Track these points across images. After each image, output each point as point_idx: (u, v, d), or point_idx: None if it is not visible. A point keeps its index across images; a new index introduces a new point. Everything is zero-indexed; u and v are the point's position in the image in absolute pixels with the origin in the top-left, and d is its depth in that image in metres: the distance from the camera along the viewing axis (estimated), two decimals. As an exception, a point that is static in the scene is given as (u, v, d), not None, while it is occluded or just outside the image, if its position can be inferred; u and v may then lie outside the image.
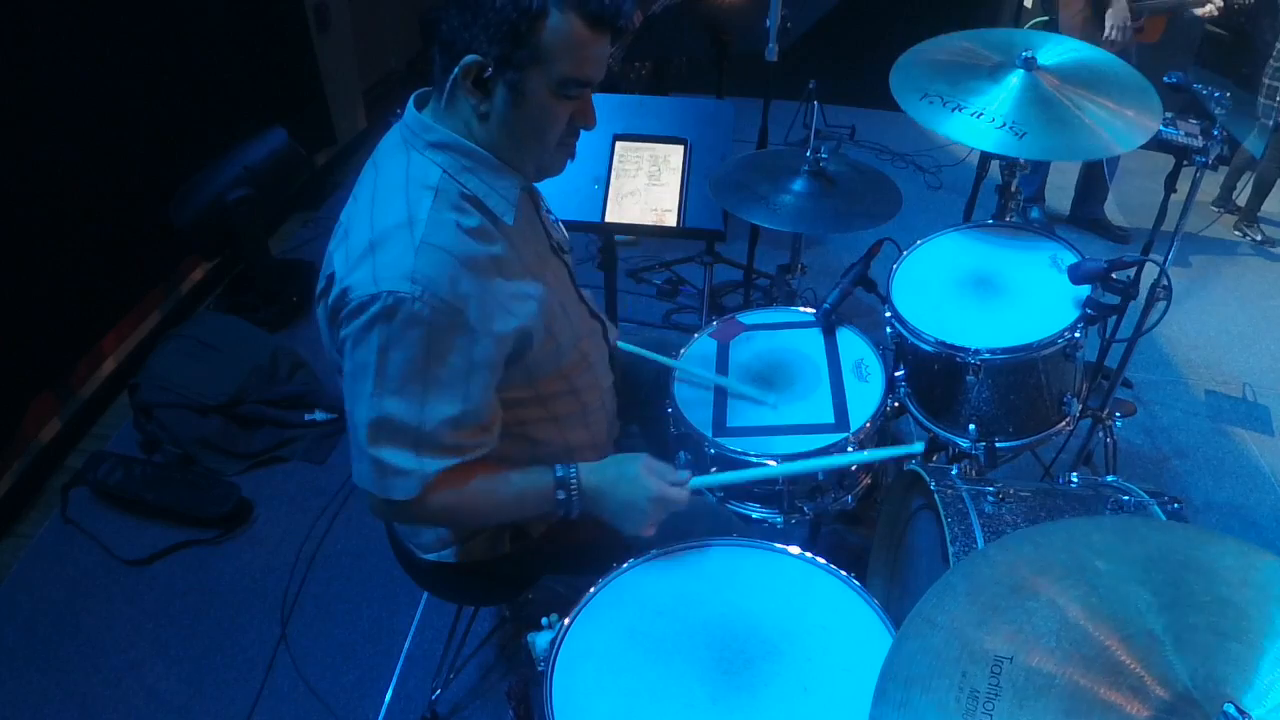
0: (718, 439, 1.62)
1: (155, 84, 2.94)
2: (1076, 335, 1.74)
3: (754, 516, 1.67)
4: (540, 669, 1.15)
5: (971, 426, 1.82)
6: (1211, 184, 4.03)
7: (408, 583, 1.66)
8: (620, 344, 1.65)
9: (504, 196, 1.25)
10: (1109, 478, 1.51)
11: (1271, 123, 3.50)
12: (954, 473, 1.49)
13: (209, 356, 2.76)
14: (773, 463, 1.57)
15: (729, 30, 2.82)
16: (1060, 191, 3.96)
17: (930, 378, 1.86)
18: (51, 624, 2.21)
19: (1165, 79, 1.87)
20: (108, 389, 2.90)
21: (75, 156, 2.66)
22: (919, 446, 1.40)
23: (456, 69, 1.14)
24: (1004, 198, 2.27)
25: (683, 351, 1.81)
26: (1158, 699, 0.79)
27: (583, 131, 1.27)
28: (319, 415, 2.74)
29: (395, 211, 1.18)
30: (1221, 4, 3.49)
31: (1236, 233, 3.92)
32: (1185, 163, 1.91)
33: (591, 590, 1.25)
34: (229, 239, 3.06)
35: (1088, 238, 3.83)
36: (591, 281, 1.86)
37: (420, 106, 1.25)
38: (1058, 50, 1.94)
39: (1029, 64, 1.87)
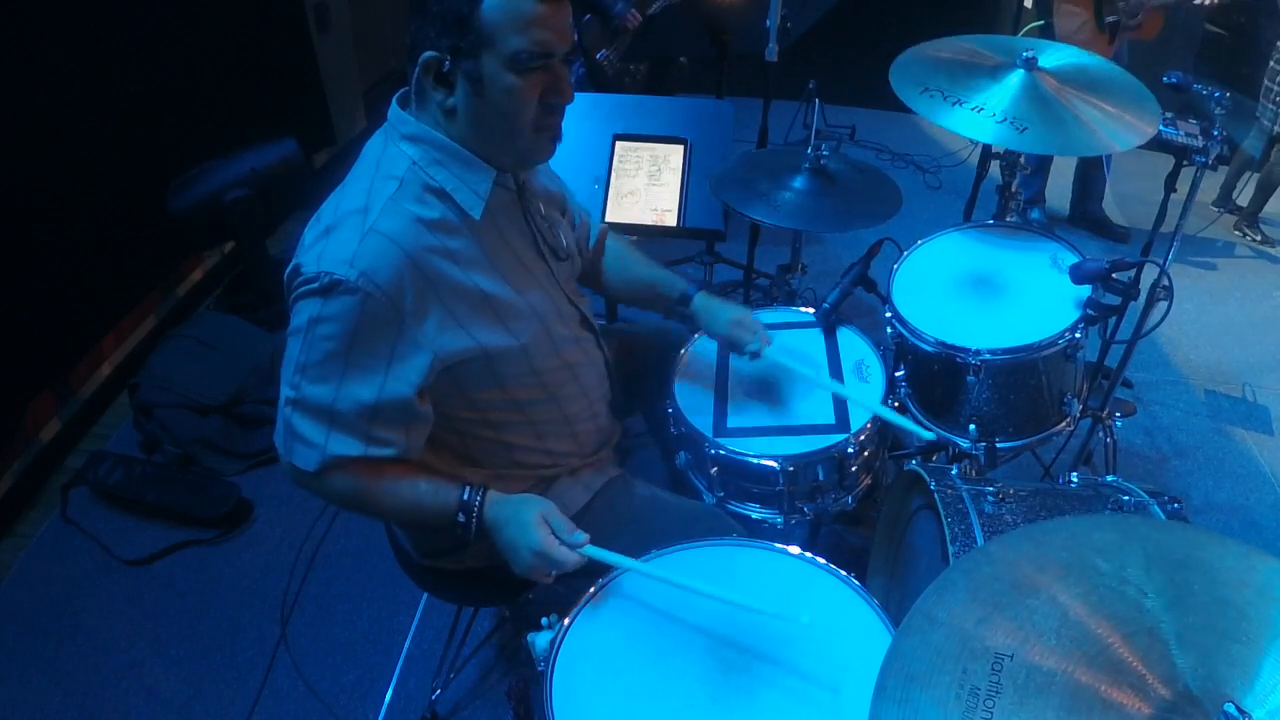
0: (718, 439, 1.62)
1: (155, 84, 2.94)
2: (1077, 335, 1.75)
3: (754, 517, 1.67)
4: (540, 669, 1.15)
5: (972, 426, 1.82)
6: (1211, 184, 4.03)
7: (408, 583, 1.66)
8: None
9: (473, 190, 1.25)
10: (1109, 478, 1.51)
11: (1273, 124, 3.50)
12: (954, 473, 1.49)
13: (209, 356, 2.76)
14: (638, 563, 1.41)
15: (729, 30, 2.82)
16: (1060, 192, 3.96)
17: (930, 378, 1.86)
18: (51, 624, 2.21)
19: (1165, 79, 1.87)
20: (108, 389, 2.90)
21: (75, 156, 2.65)
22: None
23: (416, 68, 1.17)
24: (1004, 198, 2.28)
25: (683, 352, 1.81)
26: (1159, 697, 0.79)
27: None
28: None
29: (355, 198, 1.21)
30: None
31: (1236, 233, 3.92)
32: (1185, 163, 1.91)
33: (591, 590, 1.25)
34: (218, 235, 3.08)
35: (1088, 238, 3.83)
36: (592, 281, 1.86)
37: (403, 103, 1.27)
38: (1058, 54, 1.94)
39: (1030, 64, 1.87)
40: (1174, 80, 1.86)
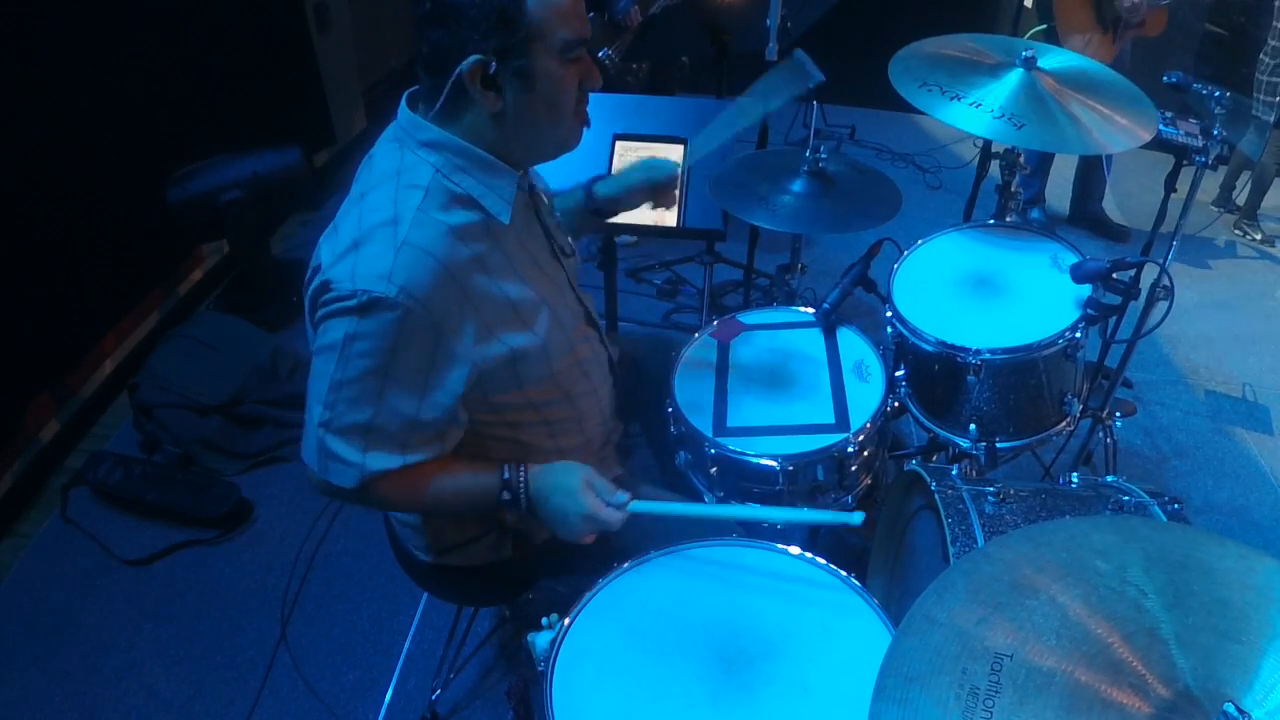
0: (718, 439, 1.62)
1: (155, 85, 2.94)
2: (1077, 335, 1.75)
3: (726, 507, 1.66)
4: (540, 669, 1.15)
5: (972, 426, 1.83)
6: (1211, 184, 4.04)
7: (408, 583, 1.66)
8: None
9: (500, 196, 1.24)
10: (1109, 478, 1.51)
11: (1272, 119, 3.49)
12: (954, 473, 1.49)
13: (209, 356, 2.76)
14: (710, 500, 1.62)
15: (729, 30, 2.82)
16: (1060, 192, 3.96)
17: (931, 378, 1.86)
18: (51, 624, 2.21)
19: (1165, 79, 1.87)
20: (108, 389, 2.90)
21: (75, 156, 2.66)
22: (858, 517, 1.29)
23: (454, 75, 1.13)
24: (1004, 198, 2.28)
25: (683, 351, 1.81)
26: (1158, 697, 0.79)
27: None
28: (319, 415, 2.74)
29: (382, 209, 1.18)
30: None
31: (1237, 232, 3.92)
32: (1185, 163, 1.91)
33: (591, 590, 1.25)
34: (211, 232, 3.08)
35: (1088, 237, 3.83)
36: (591, 281, 1.86)
37: (412, 105, 1.25)
38: (1057, 57, 1.95)
39: (1029, 63, 1.87)
40: (1174, 80, 1.86)
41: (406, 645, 2.14)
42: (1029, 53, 1.89)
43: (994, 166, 2.38)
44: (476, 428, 1.35)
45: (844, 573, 1.27)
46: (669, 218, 2.18)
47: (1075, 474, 1.51)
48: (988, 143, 2.42)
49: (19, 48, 2.44)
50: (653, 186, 1.63)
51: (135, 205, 2.87)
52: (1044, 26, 3.38)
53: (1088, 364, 1.93)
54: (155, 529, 2.43)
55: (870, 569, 1.69)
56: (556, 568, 1.56)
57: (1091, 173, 3.80)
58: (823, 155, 1.93)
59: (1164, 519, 1.35)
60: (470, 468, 1.31)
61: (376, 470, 1.23)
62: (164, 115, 2.99)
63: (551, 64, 1.16)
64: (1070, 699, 0.79)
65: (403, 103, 1.25)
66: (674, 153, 2.24)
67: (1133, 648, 0.82)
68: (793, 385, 1.74)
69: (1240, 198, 3.94)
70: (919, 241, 2.02)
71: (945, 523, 1.35)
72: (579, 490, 1.27)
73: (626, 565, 1.28)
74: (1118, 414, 2.32)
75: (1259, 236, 3.87)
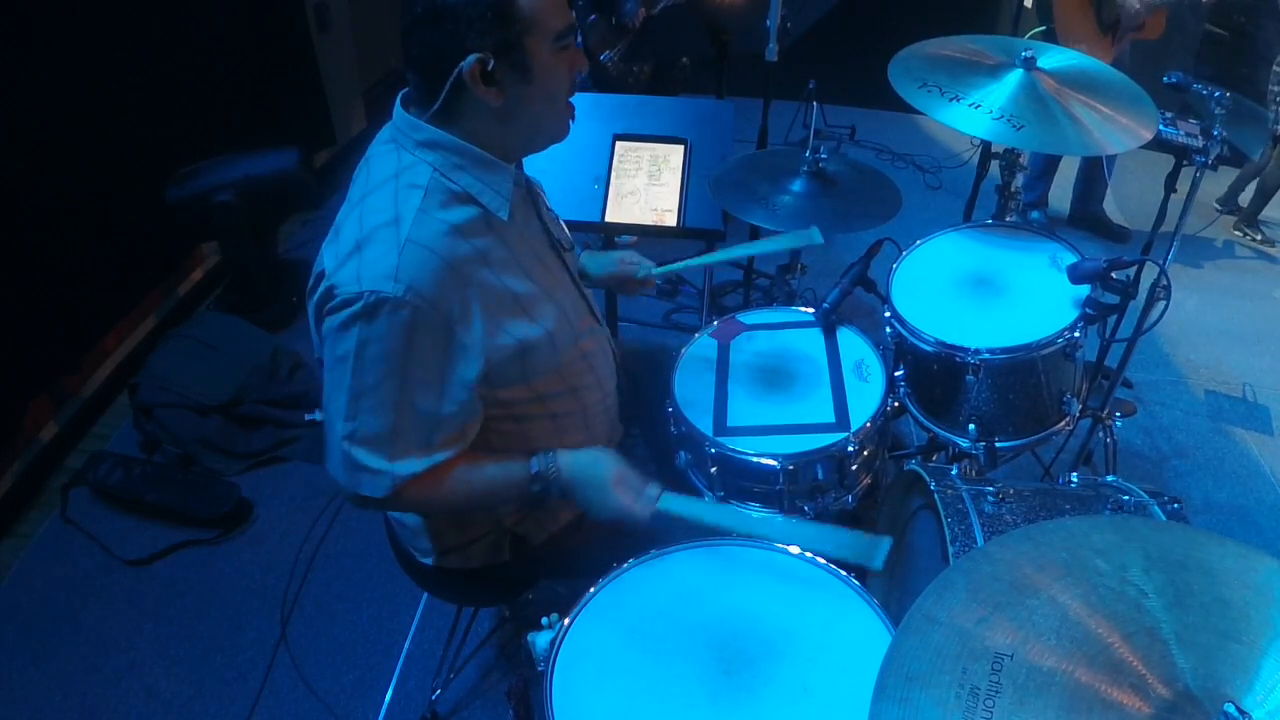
0: (718, 438, 1.62)
1: (155, 85, 2.94)
2: (1076, 335, 1.75)
3: (754, 516, 1.66)
4: (540, 669, 1.15)
5: (971, 426, 1.82)
6: (1217, 185, 4.03)
7: (408, 583, 1.66)
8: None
9: (498, 192, 1.24)
10: (1109, 478, 1.51)
11: (1274, 125, 3.49)
12: (954, 473, 1.49)
13: (209, 356, 2.76)
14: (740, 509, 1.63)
15: (729, 30, 2.82)
16: (1060, 192, 3.96)
17: (930, 377, 1.86)
18: (51, 624, 2.21)
19: (1165, 79, 1.87)
20: (108, 389, 2.90)
21: (76, 156, 2.65)
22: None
23: (453, 75, 1.13)
24: (1004, 198, 2.28)
25: (683, 351, 1.81)
26: (1159, 697, 0.79)
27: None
28: (319, 415, 2.72)
29: (383, 210, 1.19)
30: None
31: (1236, 232, 3.92)
32: (1185, 163, 1.91)
33: (591, 590, 1.25)
34: (206, 233, 3.08)
35: (1087, 238, 3.83)
36: (591, 281, 1.86)
37: (406, 106, 1.25)
38: (1057, 57, 1.95)
39: (1029, 63, 1.87)
40: (1174, 80, 1.86)
41: (406, 645, 2.14)
42: (1029, 53, 1.89)
43: (994, 167, 2.38)
44: (483, 422, 1.36)
45: (844, 573, 1.27)
46: (669, 218, 2.18)
47: (1075, 474, 1.51)
48: (987, 143, 2.42)
49: (19, 48, 2.44)
50: (623, 280, 1.71)
51: (136, 205, 2.87)
52: (1043, 28, 3.38)
53: (1087, 364, 1.93)
54: (155, 529, 2.43)
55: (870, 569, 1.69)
56: (556, 569, 1.56)
57: (1093, 173, 3.80)
58: (823, 155, 1.93)
59: (1164, 519, 1.35)
60: (497, 460, 1.33)
61: (406, 475, 1.23)
62: (164, 115, 2.99)
63: (546, 55, 1.17)
64: (1070, 699, 0.79)
65: (397, 104, 1.25)
66: (674, 153, 2.24)
67: (1133, 648, 0.82)
68: (793, 385, 1.74)
69: (1244, 199, 3.94)
70: (918, 241, 2.02)
71: (945, 522, 1.35)
72: (610, 485, 1.31)
73: (626, 565, 1.29)
74: (1118, 414, 2.33)
75: (1259, 237, 3.87)
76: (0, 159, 2.41)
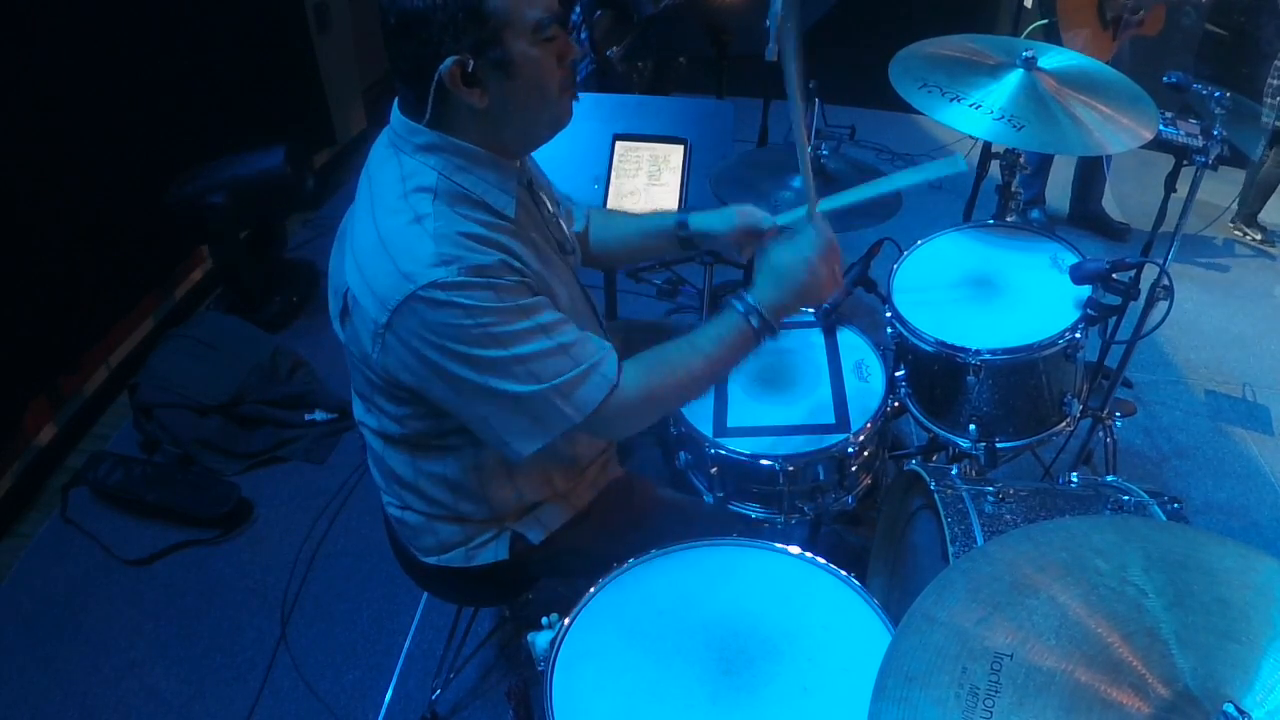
0: (718, 439, 1.62)
1: (154, 85, 2.94)
2: (1077, 335, 1.75)
3: (754, 516, 1.67)
4: (540, 669, 1.15)
5: (972, 427, 1.82)
6: (1215, 184, 4.02)
7: (408, 583, 1.66)
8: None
9: (503, 190, 1.24)
10: (1109, 478, 1.51)
11: (1272, 123, 3.49)
12: (954, 473, 1.49)
13: (209, 356, 2.76)
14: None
15: (729, 30, 2.82)
16: (1060, 192, 3.96)
17: (930, 378, 1.86)
18: (51, 624, 2.21)
19: (1165, 79, 1.87)
20: (108, 389, 2.90)
21: (76, 156, 2.65)
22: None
23: (434, 81, 1.12)
24: (1004, 198, 2.27)
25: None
26: (1158, 697, 0.79)
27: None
28: (319, 415, 2.74)
29: (400, 213, 1.17)
30: None
31: (1237, 232, 3.92)
32: (1185, 163, 1.91)
33: (591, 590, 1.25)
34: (199, 236, 3.08)
35: (1088, 237, 3.83)
36: (592, 281, 1.85)
37: (404, 111, 1.23)
38: (1057, 56, 1.95)
39: (1029, 63, 1.87)
40: (1174, 80, 1.85)
41: (406, 645, 2.14)
42: (1029, 53, 1.88)
43: (994, 166, 2.38)
44: None
45: (844, 573, 1.27)
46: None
47: (1075, 474, 1.51)
48: (987, 143, 2.42)
49: (19, 48, 2.44)
50: (747, 230, 1.60)
51: (135, 206, 2.87)
52: (1044, 21, 3.37)
53: (1088, 364, 1.93)
54: (155, 529, 2.43)
55: (870, 569, 1.69)
56: (556, 569, 1.56)
57: (1090, 171, 3.80)
58: (823, 154, 1.93)
59: (1164, 519, 1.35)
60: (702, 327, 1.33)
61: (611, 367, 1.24)
62: (164, 116, 2.99)
63: (527, 48, 1.14)
64: (1070, 699, 0.79)
65: (394, 109, 1.24)
66: (674, 153, 2.24)
67: (1133, 648, 0.82)
68: (793, 385, 1.74)
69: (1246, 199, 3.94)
70: (919, 241, 2.02)
71: (945, 522, 1.35)
72: (817, 263, 1.33)
73: (626, 565, 1.29)
74: (1118, 414, 2.32)
75: (1259, 237, 3.87)
76: (2, 159, 2.41)
